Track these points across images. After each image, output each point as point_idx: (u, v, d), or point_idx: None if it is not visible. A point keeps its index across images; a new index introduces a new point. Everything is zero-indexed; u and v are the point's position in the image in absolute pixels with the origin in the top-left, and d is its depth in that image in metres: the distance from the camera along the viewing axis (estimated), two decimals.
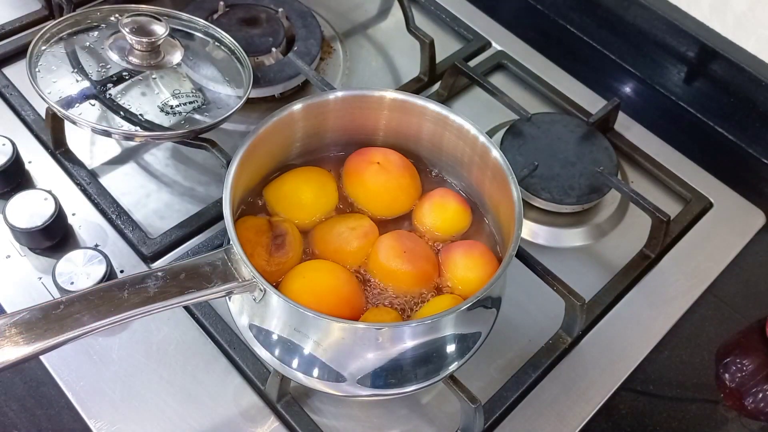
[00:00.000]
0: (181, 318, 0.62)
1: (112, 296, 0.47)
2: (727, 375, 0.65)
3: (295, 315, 0.51)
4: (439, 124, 0.62)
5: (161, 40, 0.66)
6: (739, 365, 0.65)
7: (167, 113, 0.66)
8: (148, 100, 0.67)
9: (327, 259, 0.58)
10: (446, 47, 0.86)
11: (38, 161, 0.70)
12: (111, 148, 0.73)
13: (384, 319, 0.55)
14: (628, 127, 0.82)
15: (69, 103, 0.64)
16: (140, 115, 0.65)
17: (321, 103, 0.61)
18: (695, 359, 0.66)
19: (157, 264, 0.65)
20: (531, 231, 0.72)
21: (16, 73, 0.77)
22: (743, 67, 0.79)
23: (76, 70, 0.66)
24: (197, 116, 0.67)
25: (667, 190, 0.77)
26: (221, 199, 0.53)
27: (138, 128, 0.65)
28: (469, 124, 0.60)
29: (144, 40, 0.65)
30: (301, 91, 0.81)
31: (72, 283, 0.58)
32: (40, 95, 0.62)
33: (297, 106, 0.60)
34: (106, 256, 0.60)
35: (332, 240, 0.59)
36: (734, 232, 0.75)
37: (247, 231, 0.57)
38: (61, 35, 0.67)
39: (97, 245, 0.65)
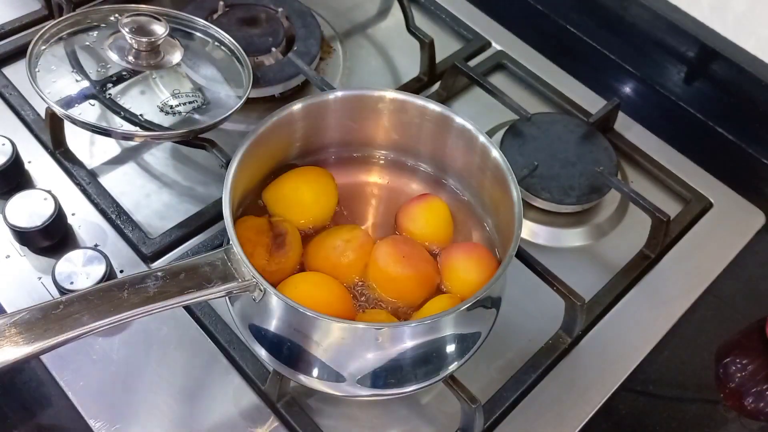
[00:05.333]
0: (181, 318, 0.62)
1: (111, 296, 0.47)
2: (727, 375, 0.65)
3: (295, 315, 0.51)
4: (439, 124, 0.62)
5: (161, 40, 0.66)
6: (739, 365, 0.65)
7: (167, 113, 0.66)
8: (148, 100, 0.67)
9: (324, 273, 0.58)
10: (446, 47, 0.86)
11: (38, 161, 0.70)
12: (111, 148, 0.73)
13: (379, 320, 0.55)
14: (628, 127, 0.81)
15: (69, 103, 0.64)
16: (140, 115, 0.65)
17: (321, 103, 0.61)
18: (695, 359, 0.66)
19: (157, 264, 0.65)
20: (531, 231, 0.72)
21: (16, 73, 0.77)
22: (743, 67, 0.79)
23: (75, 70, 0.66)
24: (197, 116, 0.67)
25: (667, 190, 0.77)
26: (221, 199, 0.53)
27: (138, 128, 0.65)
28: (469, 124, 0.60)
29: (144, 40, 0.65)
30: (301, 91, 0.81)
31: (72, 283, 0.58)
32: (39, 95, 0.62)
33: (297, 106, 0.60)
34: (105, 256, 0.60)
35: (328, 254, 0.58)
36: (734, 232, 0.75)
37: (247, 231, 0.57)
38: (60, 35, 0.67)
39: (96, 245, 0.65)
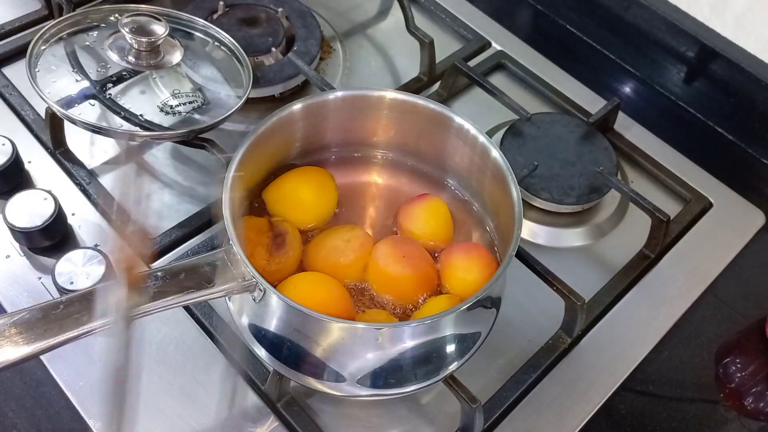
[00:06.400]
0: (181, 318, 0.62)
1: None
2: (727, 375, 0.65)
3: (295, 315, 0.51)
4: (439, 124, 0.62)
5: (161, 40, 0.66)
6: (739, 365, 0.65)
7: (167, 113, 0.66)
8: (148, 100, 0.67)
9: (324, 273, 0.58)
10: (446, 47, 0.86)
11: (38, 161, 0.70)
12: (111, 148, 0.73)
13: (379, 320, 0.55)
14: (628, 127, 0.81)
15: (69, 103, 0.64)
16: (140, 115, 0.65)
17: (321, 103, 0.61)
18: (695, 359, 0.66)
19: (157, 264, 0.65)
20: (531, 231, 0.72)
21: (16, 73, 0.77)
22: (743, 67, 0.79)
23: (75, 70, 0.66)
24: (197, 116, 0.67)
25: (667, 190, 0.77)
26: (221, 199, 0.53)
27: (138, 128, 0.65)
28: (469, 124, 0.60)
29: (144, 40, 0.65)
30: (301, 91, 0.81)
31: (72, 283, 0.58)
32: (39, 95, 0.62)
33: (297, 106, 0.60)
34: (105, 256, 0.60)
35: (328, 254, 0.58)
36: (734, 232, 0.75)
37: (247, 231, 0.57)
38: (60, 35, 0.67)
39: (96, 245, 0.65)
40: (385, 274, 0.57)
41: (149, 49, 0.66)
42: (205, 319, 0.62)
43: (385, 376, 0.52)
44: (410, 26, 0.82)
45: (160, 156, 0.73)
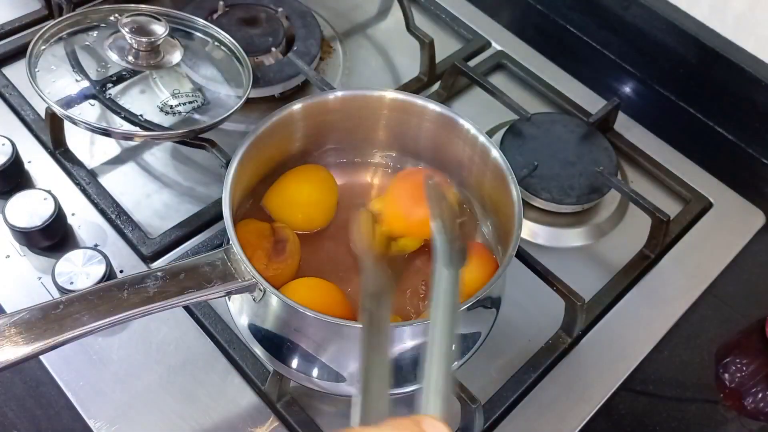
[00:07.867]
0: (181, 318, 0.62)
1: (111, 296, 0.47)
2: (727, 375, 0.65)
3: (295, 315, 0.51)
4: (439, 124, 0.62)
5: (161, 40, 0.66)
6: (739, 365, 0.65)
7: (167, 113, 0.66)
8: (148, 100, 0.67)
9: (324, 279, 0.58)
10: (446, 47, 0.86)
11: (38, 161, 0.70)
12: (111, 148, 0.73)
13: None
14: (628, 127, 0.81)
15: (68, 103, 0.64)
16: (140, 115, 0.65)
17: (321, 103, 0.61)
18: (695, 359, 0.66)
19: (157, 264, 0.65)
20: (531, 231, 0.72)
21: (16, 73, 0.76)
22: (743, 67, 0.79)
23: (75, 69, 0.66)
24: (197, 116, 0.67)
25: (667, 190, 0.77)
26: (221, 199, 0.53)
27: (138, 128, 0.65)
28: (469, 124, 0.60)
29: (144, 39, 0.65)
30: (300, 91, 0.81)
31: (71, 283, 0.58)
32: (39, 95, 0.62)
33: (297, 106, 0.60)
34: (105, 256, 0.60)
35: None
36: (734, 232, 0.75)
37: (248, 234, 0.57)
38: (60, 35, 0.67)
39: (96, 245, 0.65)
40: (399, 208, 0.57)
41: (149, 49, 0.66)
42: (204, 318, 0.62)
43: None
44: (410, 26, 0.82)
45: (160, 156, 0.73)
